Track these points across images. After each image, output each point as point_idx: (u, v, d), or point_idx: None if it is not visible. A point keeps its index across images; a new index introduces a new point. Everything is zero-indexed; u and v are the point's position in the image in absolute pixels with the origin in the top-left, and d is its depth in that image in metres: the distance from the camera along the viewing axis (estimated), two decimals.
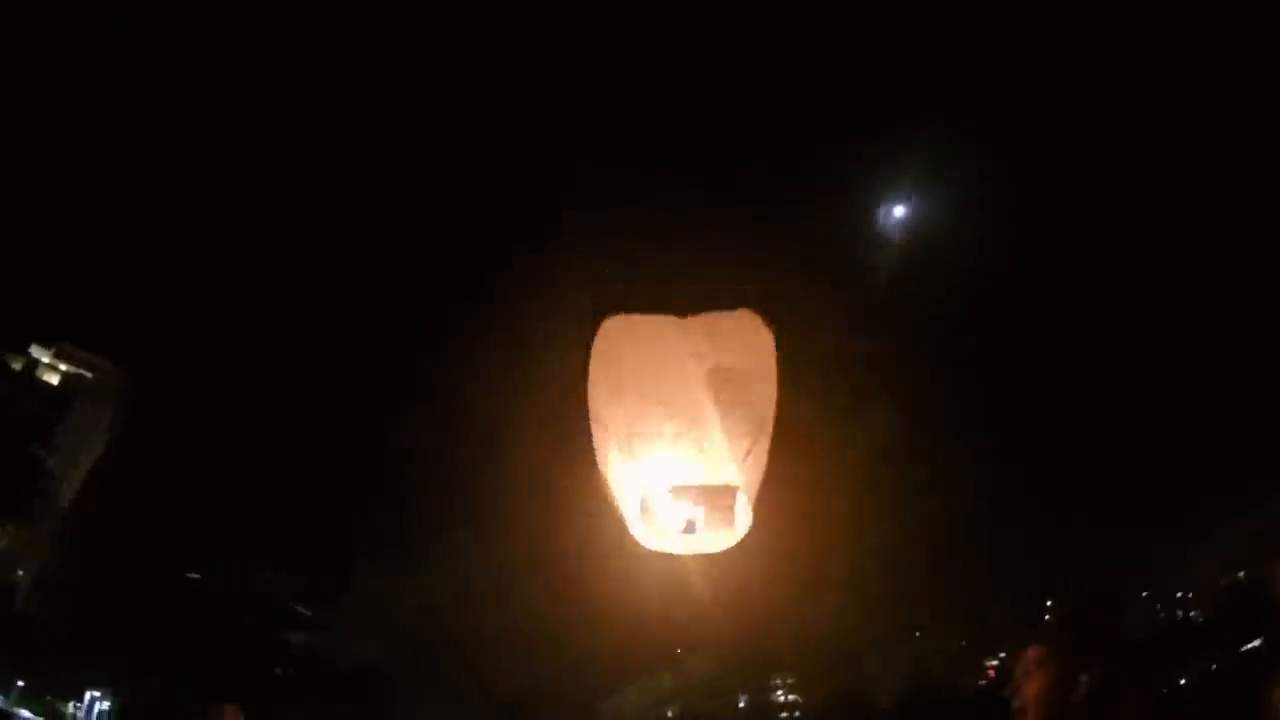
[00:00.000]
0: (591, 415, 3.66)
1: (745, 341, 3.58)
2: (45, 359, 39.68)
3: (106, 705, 32.12)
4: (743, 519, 3.71)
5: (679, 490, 3.71)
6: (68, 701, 32.23)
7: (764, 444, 3.60)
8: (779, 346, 3.54)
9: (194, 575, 31.01)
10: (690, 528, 3.72)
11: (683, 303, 3.52)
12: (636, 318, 3.61)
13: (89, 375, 39.29)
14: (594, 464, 3.75)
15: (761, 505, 3.74)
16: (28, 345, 39.34)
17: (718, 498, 3.72)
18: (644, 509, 3.77)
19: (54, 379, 39.74)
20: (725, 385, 3.55)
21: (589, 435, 3.73)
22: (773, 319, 3.62)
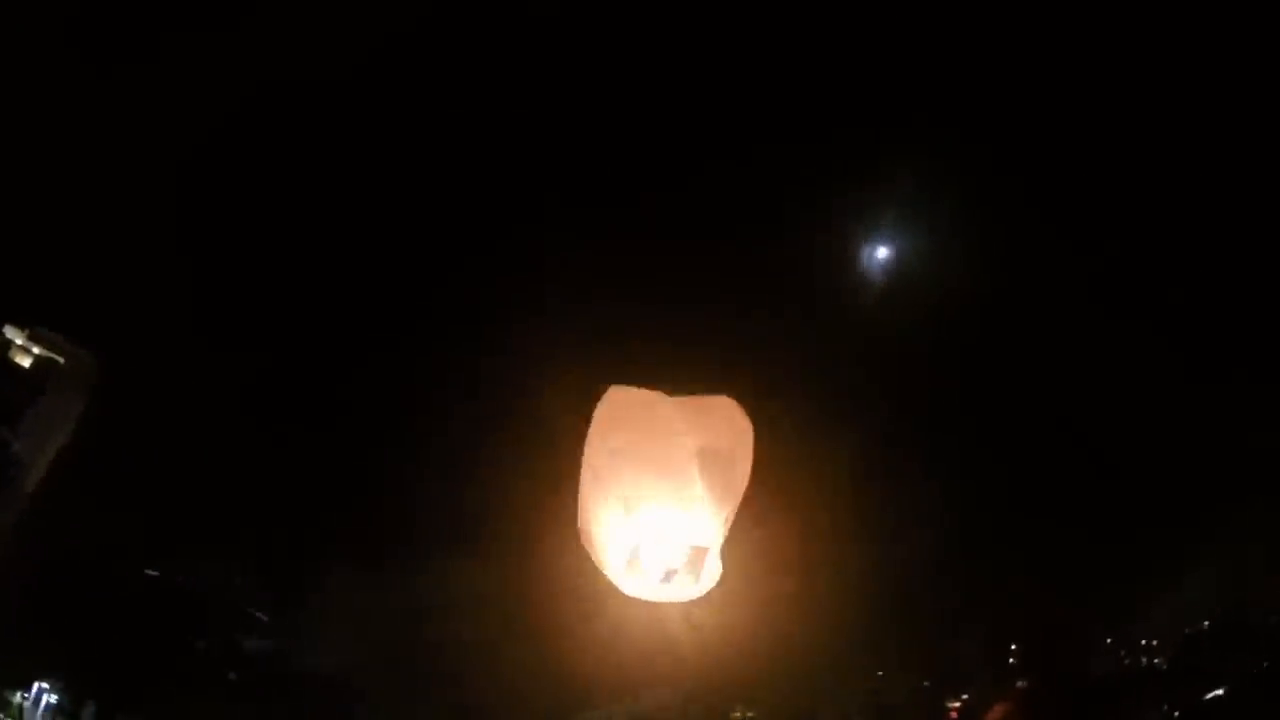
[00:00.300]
0: (589, 472, 4.57)
1: (725, 422, 4.57)
2: (19, 340, 39.02)
3: (54, 698, 31.49)
4: (713, 571, 4.63)
5: (660, 544, 4.57)
6: (15, 691, 31.68)
7: (734, 507, 4.49)
8: (753, 429, 4.46)
9: (152, 572, 30.49)
10: (668, 577, 4.67)
11: (669, 387, 4.37)
12: (635, 390, 4.56)
13: (61, 360, 38.67)
14: (587, 514, 4.62)
15: (731, 558, 4.67)
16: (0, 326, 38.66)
17: (693, 552, 4.59)
18: (629, 559, 4.71)
19: (25, 361, 39.04)
20: (707, 459, 4.46)
21: (586, 487, 4.59)
22: (747, 406, 4.58)
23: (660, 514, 4.75)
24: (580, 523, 4.92)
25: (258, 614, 34.65)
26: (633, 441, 4.75)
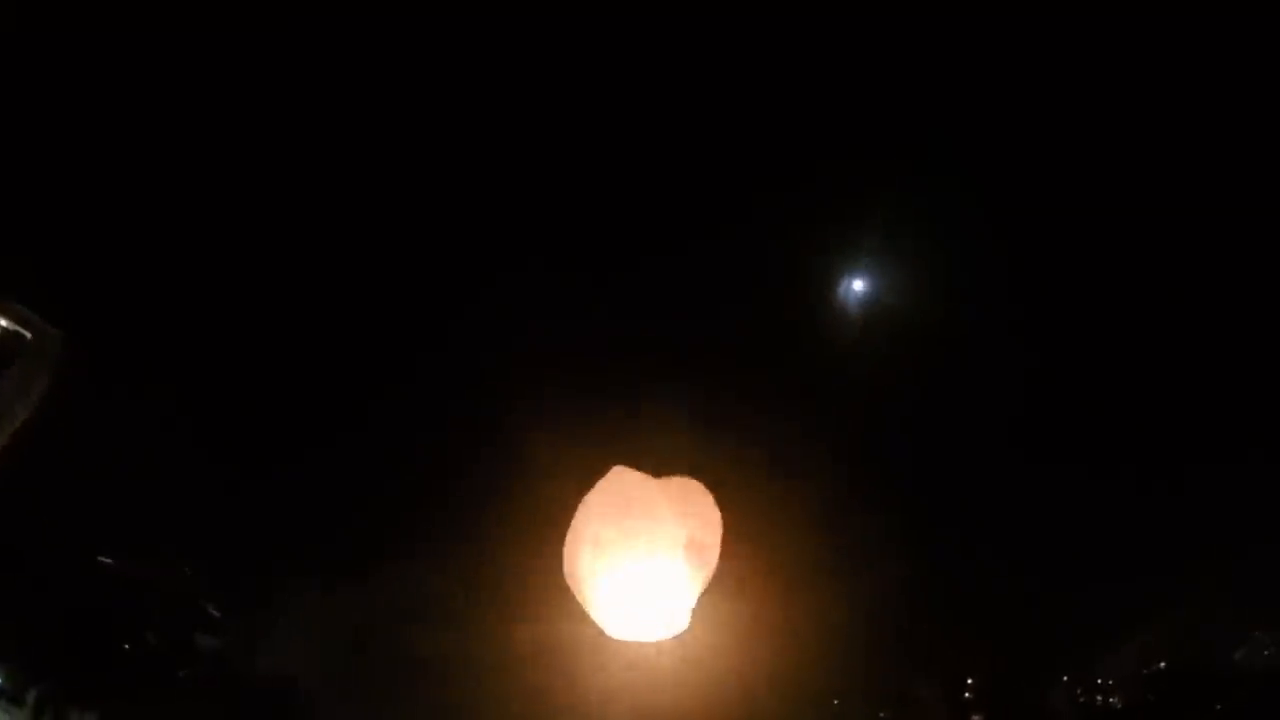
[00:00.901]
0: (584, 535, 6.26)
1: (697, 501, 6.36)
2: None
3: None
4: (683, 618, 6.47)
5: (643, 602, 6.35)
6: None
7: (707, 577, 6.39)
8: (721, 507, 6.28)
9: (106, 560, 29.62)
10: (647, 626, 6.49)
11: (650, 470, 6.04)
12: (630, 470, 6.27)
13: (28, 336, 37.17)
14: (576, 573, 6.31)
15: (701, 607, 6.47)
16: None
17: (669, 610, 6.47)
18: (612, 605, 6.50)
19: None
20: (687, 545, 6.34)
21: (580, 552, 6.28)
22: (714, 487, 6.42)
23: (643, 580, 6.53)
24: (569, 577, 6.60)
25: (212, 609, 33.58)
26: (621, 513, 6.57)
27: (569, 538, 7.72)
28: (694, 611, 7.21)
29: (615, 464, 6.92)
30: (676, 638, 7.24)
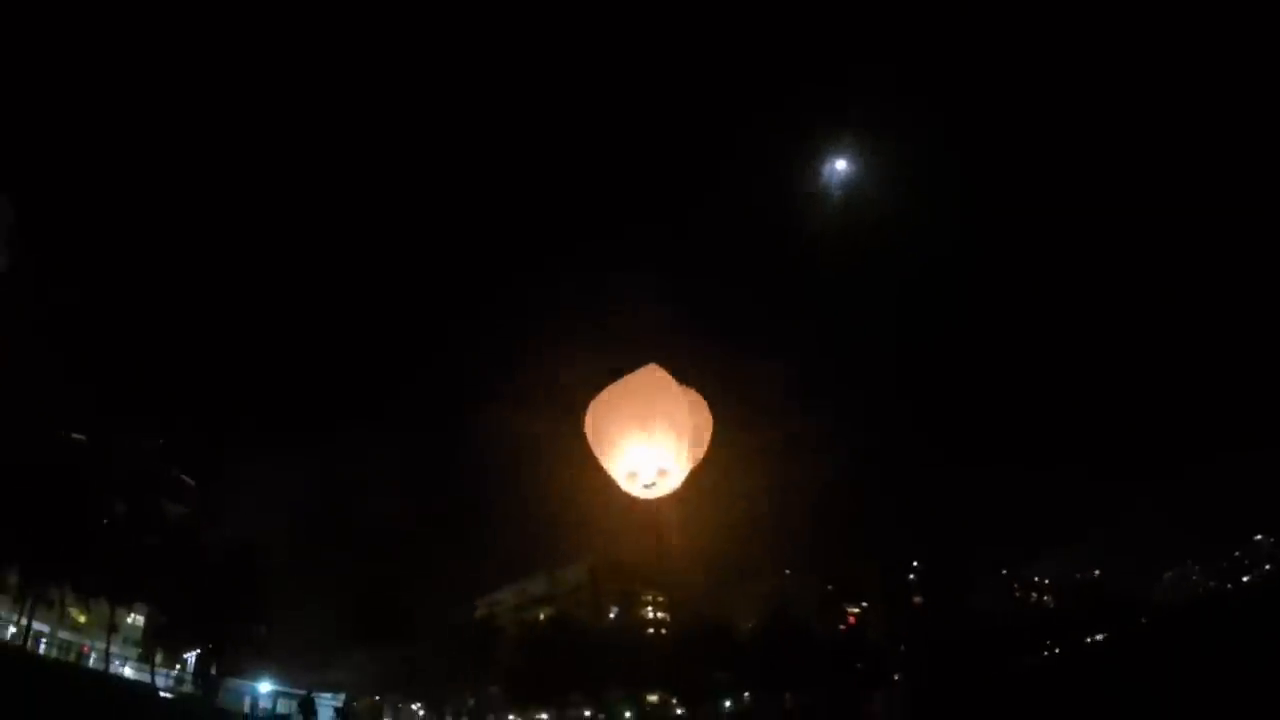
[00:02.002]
0: (612, 412, 8.89)
1: (695, 402, 9.31)
2: None
3: None
4: (674, 483, 8.94)
5: (644, 467, 8.99)
6: None
7: (699, 451, 9.28)
8: (710, 407, 9.47)
9: (78, 436, 30.13)
10: (649, 485, 8.95)
11: (657, 366, 8.87)
12: (633, 376, 8.87)
13: None
14: (600, 449, 8.98)
15: (690, 476, 9.09)
16: None
17: (661, 472, 8.96)
18: (628, 474, 9.05)
19: None
20: (672, 420, 8.70)
21: (599, 433, 8.96)
22: (702, 391, 9.21)
23: (643, 450, 8.58)
24: (596, 452, 8.87)
25: (184, 478, 34.77)
26: (630, 407, 8.64)
27: (600, 411, 9.04)
28: (686, 479, 9.17)
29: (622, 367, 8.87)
30: (670, 495, 8.88)
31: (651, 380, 8.68)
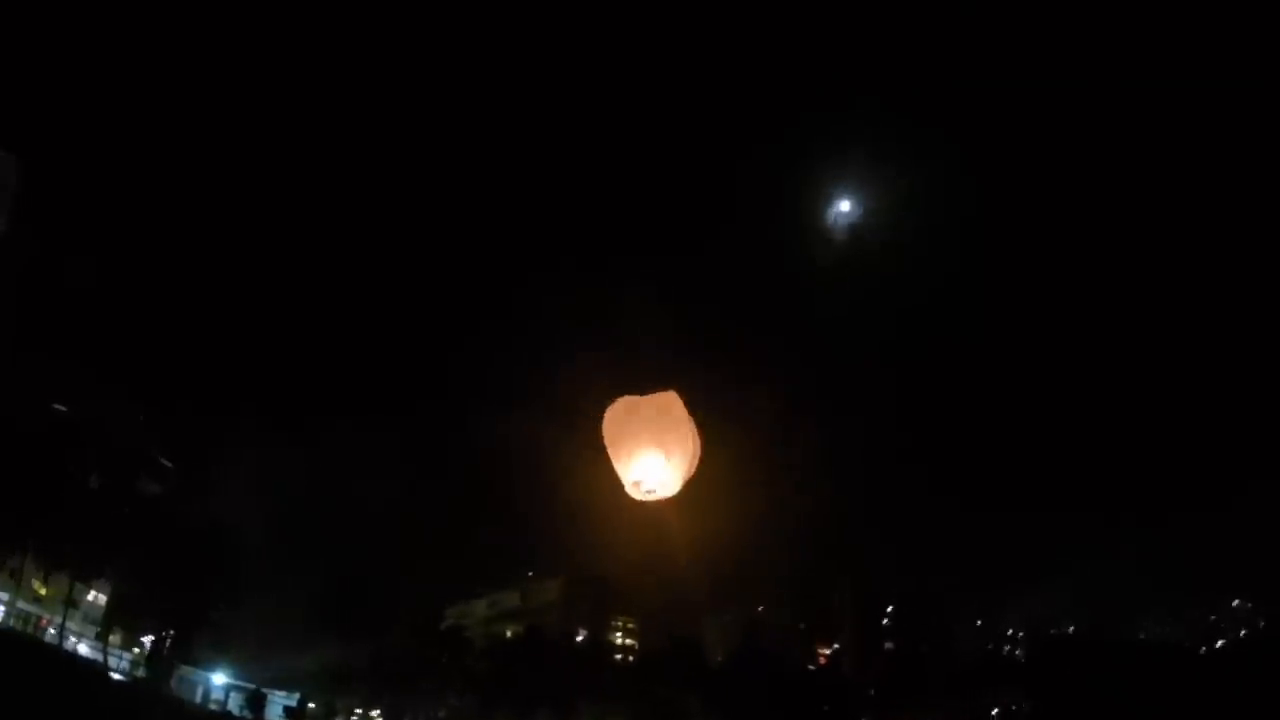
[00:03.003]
0: (613, 436, 10.47)
1: (678, 417, 10.39)
2: None
3: None
4: (670, 491, 10.46)
5: (647, 477, 10.42)
6: None
7: (691, 464, 10.52)
8: (695, 419, 10.45)
9: (59, 407, 29.70)
10: (650, 491, 10.51)
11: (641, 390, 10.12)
12: (636, 396, 10.48)
13: None
14: (615, 460, 10.57)
15: (685, 487, 10.46)
16: None
17: (660, 483, 10.52)
18: (633, 482, 10.50)
19: None
20: (667, 439, 10.31)
21: (612, 446, 10.52)
22: (691, 404, 10.40)
23: (646, 462, 10.42)
24: (610, 450, 10.61)
25: (160, 457, 34.17)
26: (632, 422, 10.46)
27: (619, 423, 10.54)
28: (682, 485, 10.59)
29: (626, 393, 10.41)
30: (669, 499, 10.50)
31: (668, 405, 10.54)
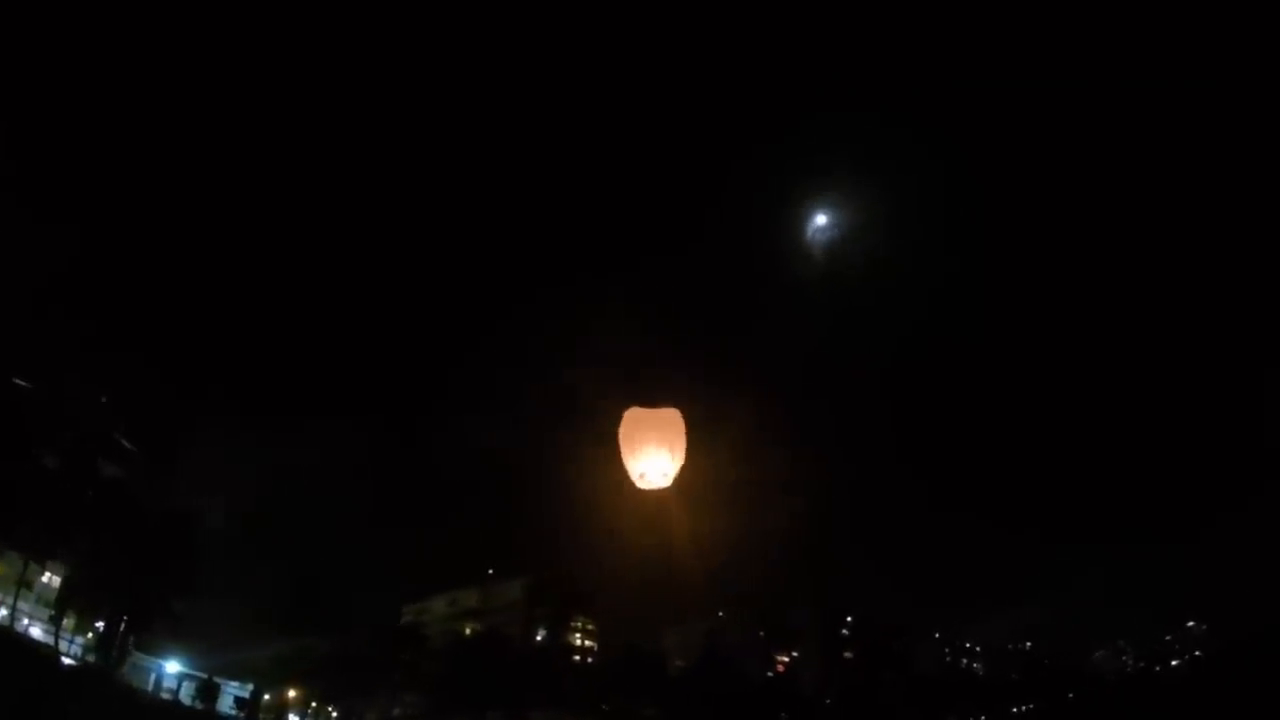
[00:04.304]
0: (625, 439, 14.30)
1: (674, 425, 14.40)
2: None
3: None
4: (666, 481, 14.40)
5: (649, 469, 14.31)
6: None
7: (679, 460, 14.45)
8: (686, 425, 14.35)
9: (21, 381, 29.32)
10: (650, 480, 14.36)
11: (651, 404, 14.12)
12: (642, 408, 14.40)
13: None
14: (626, 456, 14.29)
15: (656, 497, 14.53)
16: None
17: (664, 474, 14.45)
18: (640, 473, 14.36)
19: None
20: (667, 432, 14.28)
21: (624, 447, 14.25)
22: (684, 414, 14.24)
23: (649, 459, 14.14)
24: (623, 459, 14.14)
25: (122, 440, 33.76)
26: (639, 428, 14.16)
27: (633, 427, 14.15)
28: (674, 478, 14.11)
29: (635, 404, 14.13)
30: (665, 488, 13.84)
31: (672, 418, 14.47)
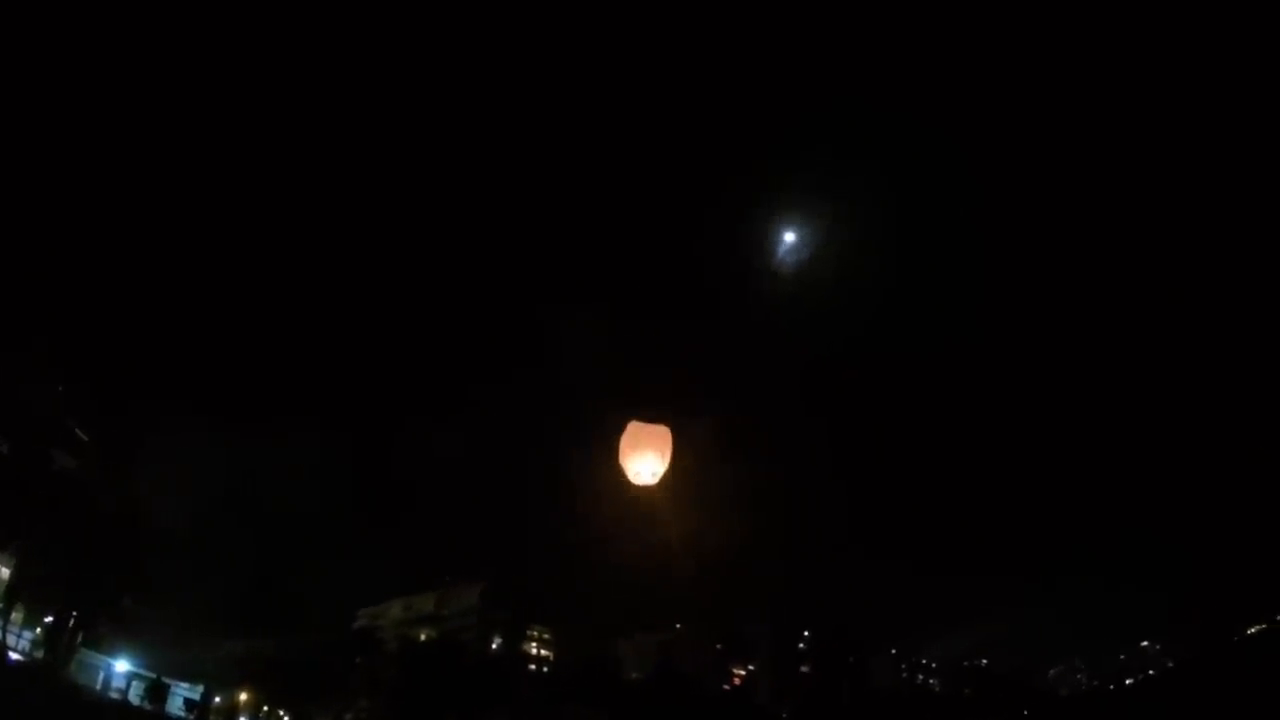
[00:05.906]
0: (626, 446, 17.97)
1: (663, 437, 18.14)
2: None
3: None
4: (654, 480, 18.19)
5: (642, 467, 18.05)
6: None
7: (666, 464, 18.17)
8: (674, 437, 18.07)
9: None
10: (642, 476, 18.12)
11: (647, 419, 17.84)
12: (653, 426, 18.06)
13: None
14: (623, 460, 18.12)
15: (666, 475, 18.29)
16: None
17: (655, 474, 18.17)
18: (634, 472, 18.15)
19: None
20: (658, 442, 17.97)
21: (624, 453, 18.06)
22: (672, 428, 17.92)
23: (644, 460, 17.83)
24: (621, 461, 17.85)
25: (77, 430, 33.18)
26: (637, 438, 17.74)
27: (632, 437, 17.69)
28: (662, 476, 17.43)
29: (634, 419, 17.76)
30: (654, 484, 17.34)
31: (663, 433, 17.53)
